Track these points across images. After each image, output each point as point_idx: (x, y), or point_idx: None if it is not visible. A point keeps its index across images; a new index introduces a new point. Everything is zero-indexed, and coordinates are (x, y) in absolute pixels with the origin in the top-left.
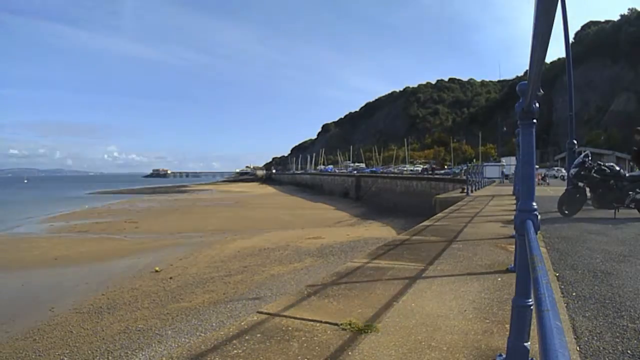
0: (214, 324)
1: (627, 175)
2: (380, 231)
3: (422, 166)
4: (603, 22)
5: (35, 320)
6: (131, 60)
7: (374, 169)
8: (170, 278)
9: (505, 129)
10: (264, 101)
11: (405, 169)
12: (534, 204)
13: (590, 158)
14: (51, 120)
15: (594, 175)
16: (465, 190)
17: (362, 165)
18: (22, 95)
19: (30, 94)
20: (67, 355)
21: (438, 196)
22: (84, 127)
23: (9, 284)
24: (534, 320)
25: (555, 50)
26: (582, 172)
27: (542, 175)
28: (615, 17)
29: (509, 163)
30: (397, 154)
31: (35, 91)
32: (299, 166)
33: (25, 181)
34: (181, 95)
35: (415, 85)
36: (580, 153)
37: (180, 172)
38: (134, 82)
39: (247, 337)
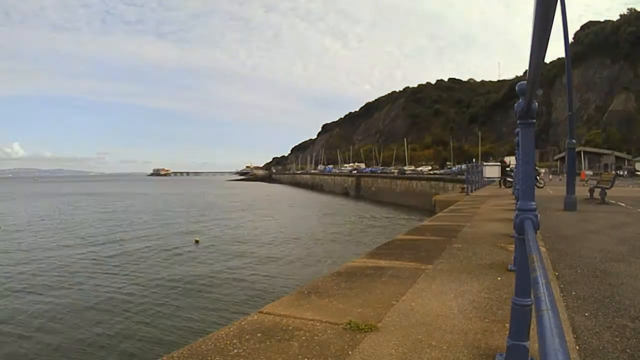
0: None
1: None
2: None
3: (428, 167)
4: (602, 22)
5: None
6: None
7: (373, 169)
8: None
9: (504, 128)
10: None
11: (406, 168)
12: (534, 203)
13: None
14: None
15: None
16: (465, 190)
17: (362, 165)
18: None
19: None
20: None
21: (438, 196)
22: (80, 128)
23: None
24: (533, 320)
25: (555, 50)
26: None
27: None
28: (615, 17)
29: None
30: (397, 154)
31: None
32: (299, 166)
33: (36, 178)
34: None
35: (415, 85)
36: (580, 153)
37: (181, 172)
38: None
39: (247, 337)
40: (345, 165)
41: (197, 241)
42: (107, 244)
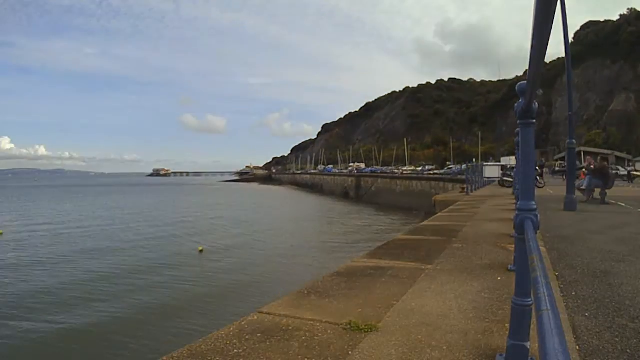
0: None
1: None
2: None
3: (427, 166)
4: (603, 22)
5: None
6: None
7: (373, 169)
8: None
9: (504, 128)
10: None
11: (405, 168)
12: (534, 203)
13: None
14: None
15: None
16: (465, 190)
17: (362, 165)
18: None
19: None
20: None
21: (438, 196)
22: (79, 128)
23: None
24: (533, 320)
25: (555, 50)
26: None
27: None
28: (615, 17)
29: (508, 163)
30: (397, 154)
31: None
32: (299, 166)
33: (36, 180)
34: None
35: (415, 85)
36: (580, 153)
37: (181, 172)
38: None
39: (247, 337)
40: (344, 170)
41: (201, 250)
42: None
